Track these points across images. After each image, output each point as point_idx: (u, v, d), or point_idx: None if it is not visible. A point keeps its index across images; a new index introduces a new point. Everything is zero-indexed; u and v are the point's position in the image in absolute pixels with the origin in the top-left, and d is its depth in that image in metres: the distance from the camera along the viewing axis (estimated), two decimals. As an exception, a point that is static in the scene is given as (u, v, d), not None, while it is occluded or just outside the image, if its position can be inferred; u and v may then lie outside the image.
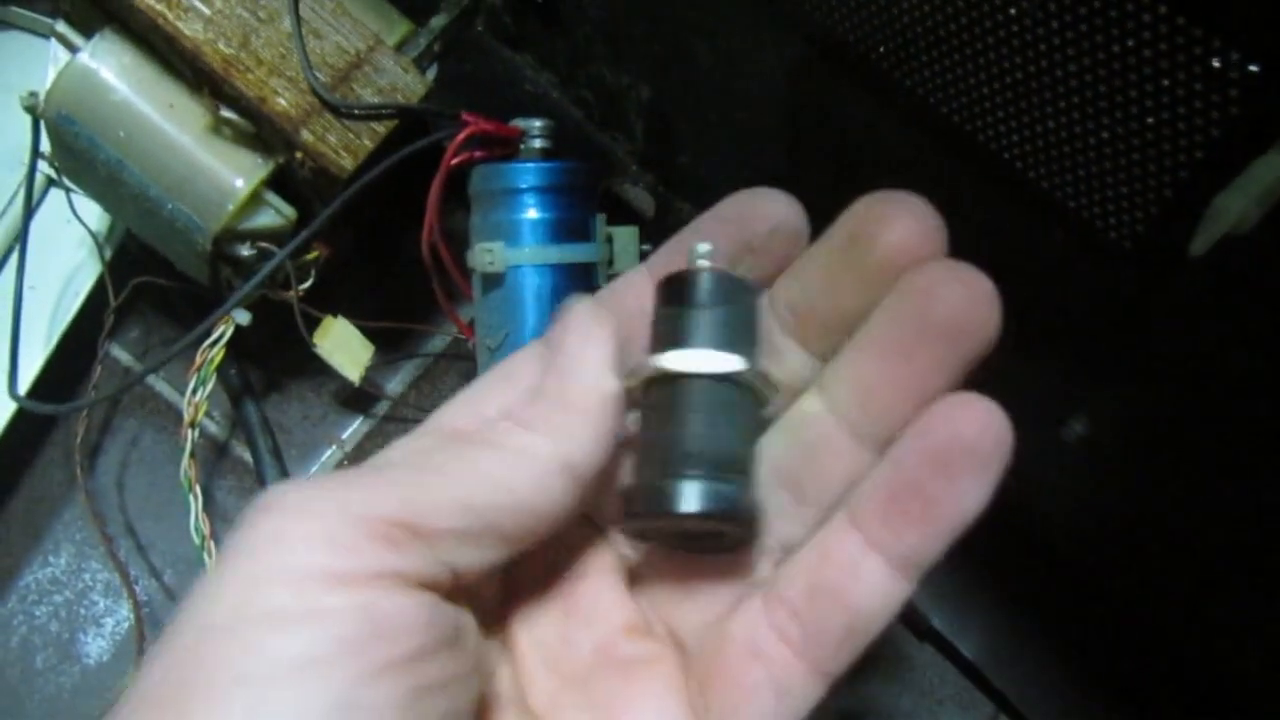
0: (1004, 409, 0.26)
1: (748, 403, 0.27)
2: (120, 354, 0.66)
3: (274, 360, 0.65)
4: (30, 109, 0.53)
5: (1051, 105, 0.33)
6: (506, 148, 0.53)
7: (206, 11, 0.50)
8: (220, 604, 0.22)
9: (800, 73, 0.43)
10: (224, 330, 0.55)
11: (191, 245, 0.53)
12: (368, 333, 0.59)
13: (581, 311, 0.27)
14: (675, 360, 0.27)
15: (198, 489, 0.56)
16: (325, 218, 0.51)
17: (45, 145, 0.55)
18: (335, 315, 0.58)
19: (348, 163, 0.51)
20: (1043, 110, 0.33)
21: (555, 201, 0.51)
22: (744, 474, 0.27)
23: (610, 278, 0.51)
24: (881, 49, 0.37)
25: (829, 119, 0.44)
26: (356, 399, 0.66)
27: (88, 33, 0.52)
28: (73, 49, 0.52)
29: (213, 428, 0.65)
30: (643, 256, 0.54)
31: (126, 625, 0.62)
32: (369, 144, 0.51)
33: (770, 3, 0.41)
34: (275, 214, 0.53)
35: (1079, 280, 0.38)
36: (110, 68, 0.51)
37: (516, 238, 0.51)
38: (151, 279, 0.60)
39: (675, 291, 0.28)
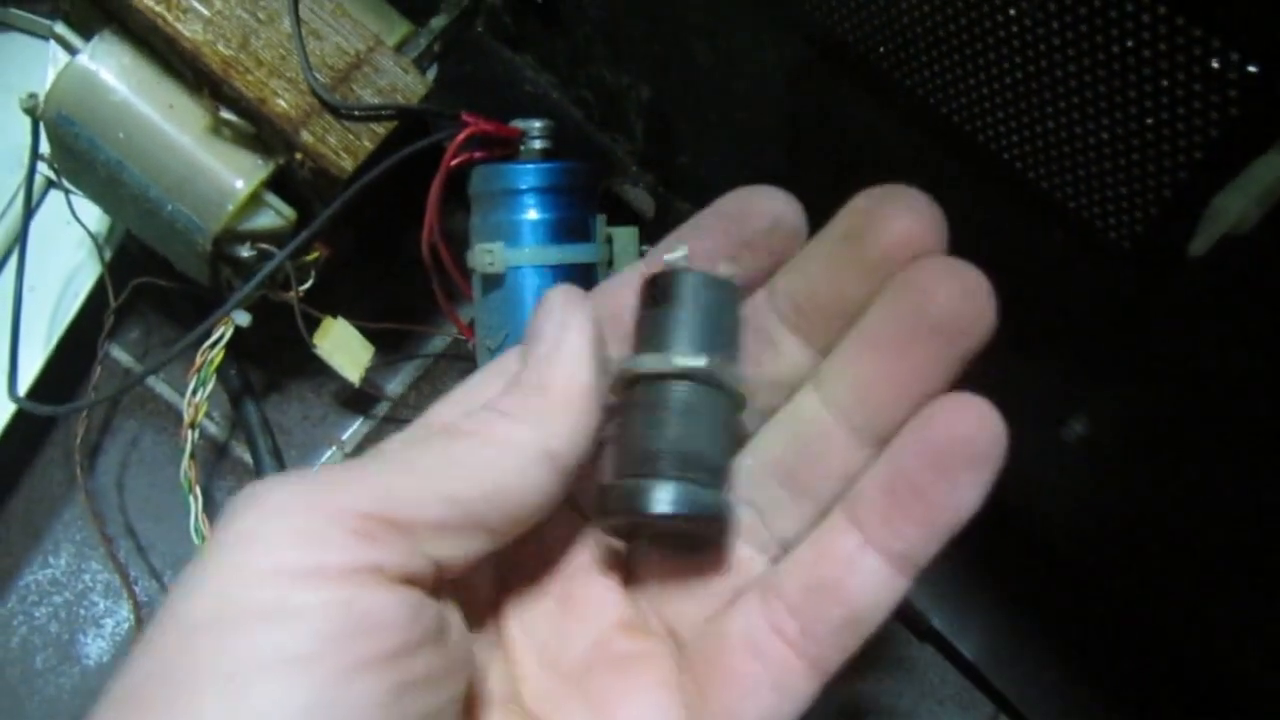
0: (1004, 409, 0.26)
1: (720, 404, 0.27)
2: (120, 355, 0.66)
3: (274, 361, 0.65)
4: (30, 110, 0.53)
5: (1051, 105, 0.33)
6: (506, 148, 0.53)
7: (206, 12, 0.50)
8: (199, 602, 0.22)
9: (800, 73, 0.43)
10: (224, 331, 0.55)
11: (191, 246, 0.53)
12: (368, 333, 0.59)
13: (558, 299, 0.27)
14: (649, 362, 0.27)
15: (198, 490, 0.56)
16: (325, 218, 0.51)
17: (45, 146, 0.55)
18: (335, 316, 0.58)
19: (348, 163, 0.51)
20: (1042, 110, 0.33)
21: (555, 202, 0.51)
22: (713, 474, 0.27)
23: (610, 278, 0.51)
24: (881, 49, 0.37)
25: (829, 119, 0.44)
26: (356, 400, 0.66)
27: (87, 34, 0.52)
28: (72, 50, 0.52)
29: (213, 428, 0.65)
30: (642, 256, 0.54)
31: (126, 626, 0.62)
32: (369, 145, 0.51)
33: (770, 3, 0.41)
34: (275, 215, 0.53)
35: (1079, 280, 0.38)
36: (110, 69, 0.51)
37: (516, 238, 0.51)
38: (151, 280, 0.60)
39: (654, 293, 0.28)
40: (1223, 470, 0.40)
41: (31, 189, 0.59)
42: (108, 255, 0.62)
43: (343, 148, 0.51)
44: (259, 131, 0.51)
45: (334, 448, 0.65)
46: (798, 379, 0.29)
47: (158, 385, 0.66)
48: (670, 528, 0.27)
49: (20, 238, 0.59)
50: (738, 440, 0.29)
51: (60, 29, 0.52)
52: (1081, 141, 0.33)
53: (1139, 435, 0.43)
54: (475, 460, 0.25)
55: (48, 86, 0.52)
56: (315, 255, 0.54)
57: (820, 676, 0.26)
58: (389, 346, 0.64)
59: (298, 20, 0.50)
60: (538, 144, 0.53)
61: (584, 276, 0.52)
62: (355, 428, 0.66)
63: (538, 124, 0.53)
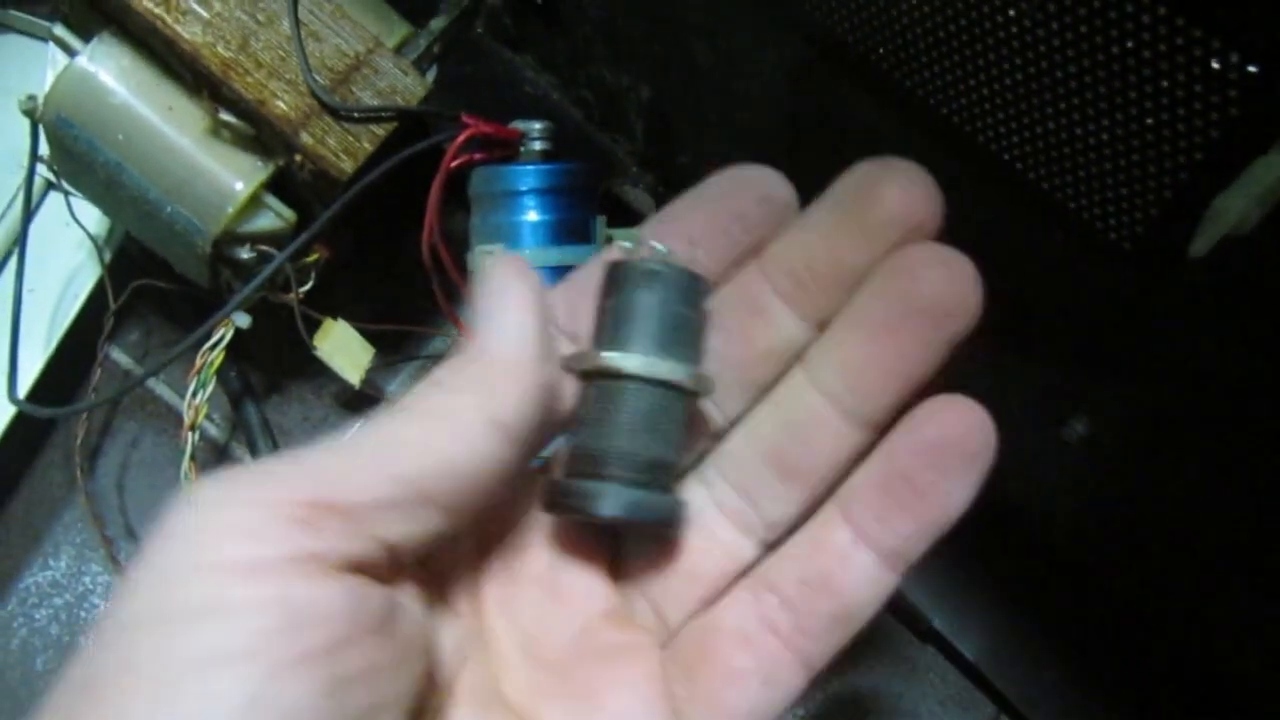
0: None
1: (670, 400, 0.27)
2: (120, 357, 0.66)
3: (274, 363, 0.65)
4: (29, 112, 0.53)
5: (1051, 106, 0.33)
6: (506, 150, 0.53)
7: (205, 14, 0.50)
8: (134, 602, 0.21)
9: (800, 73, 0.43)
10: (224, 333, 0.55)
11: (191, 248, 0.53)
12: (368, 335, 0.59)
13: (499, 270, 0.27)
14: (598, 359, 0.27)
15: (198, 491, 0.55)
16: (325, 220, 0.51)
17: (44, 149, 0.55)
18: (335, 318, 0.58)
19: (347, 165, 0.51)
20: (1042, 111, 0.33)
21: (555, 203, 0.52)
22: (661, 472, 0.27)
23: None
24: (881, 49, 0.37)
25: (829, 119, 0.44)
26: (357, 401, 0.65)
27: (86, 36, 0.52)
28: (71, 52, 0.52)
29: (213, 430, 0.65)
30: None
31: (127, 628, 0.62)
32: (368, 146, 0.51)
33: (770, 3, 0.41)
34: (275, 216, 0.53)
35: (1079, 280, 0.38)
36: (109, 71, 0.51)
37: (517, 240, 0.51)
38: (151, 282, 0.60)
39: (609, 283, 0.28)
40: (1223, 470, 0.40)
41: (31, 191, 0.59)
42: (107, 257, 0.62)
43: (342, 149, 0.51)
44: (258, 133, 0.51)
45: (334, 449, 0.65)
46: (791, 351, 0.29)
47: (158, 387, 0.66)
48: (619, 527, 0.27)
49: (20, 240, 0.59)
50: (698, 429, 0.29)
51: (59, 31, 0.52)
52: (1082, 142, 0.33)
53: (1139, 435, 0.43)
54: (417, 434, 0.25)
55: (47, 88, 0.52)
56: (315, 257, 0.54)
57: (809, 670, 0.27)
58: (389, 348, 0.64)
59: (297, 22, 0.50)
60: (538, 145, 0.53)
61: (584, 277, 0.52)
62: (356, 429, 0.65)
63: (538, 125, 0.53)
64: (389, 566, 0.24)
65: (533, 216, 0.51)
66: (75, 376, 0.62)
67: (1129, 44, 0.29)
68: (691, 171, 0.55)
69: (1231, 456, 0.39)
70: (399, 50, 0.54)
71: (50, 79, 0.52)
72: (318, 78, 0.50)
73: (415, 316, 0.64)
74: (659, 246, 0.28)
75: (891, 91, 0.38)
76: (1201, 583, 0.45)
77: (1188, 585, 0.46)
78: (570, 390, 0.28)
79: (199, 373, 0.55)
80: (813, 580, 0.27)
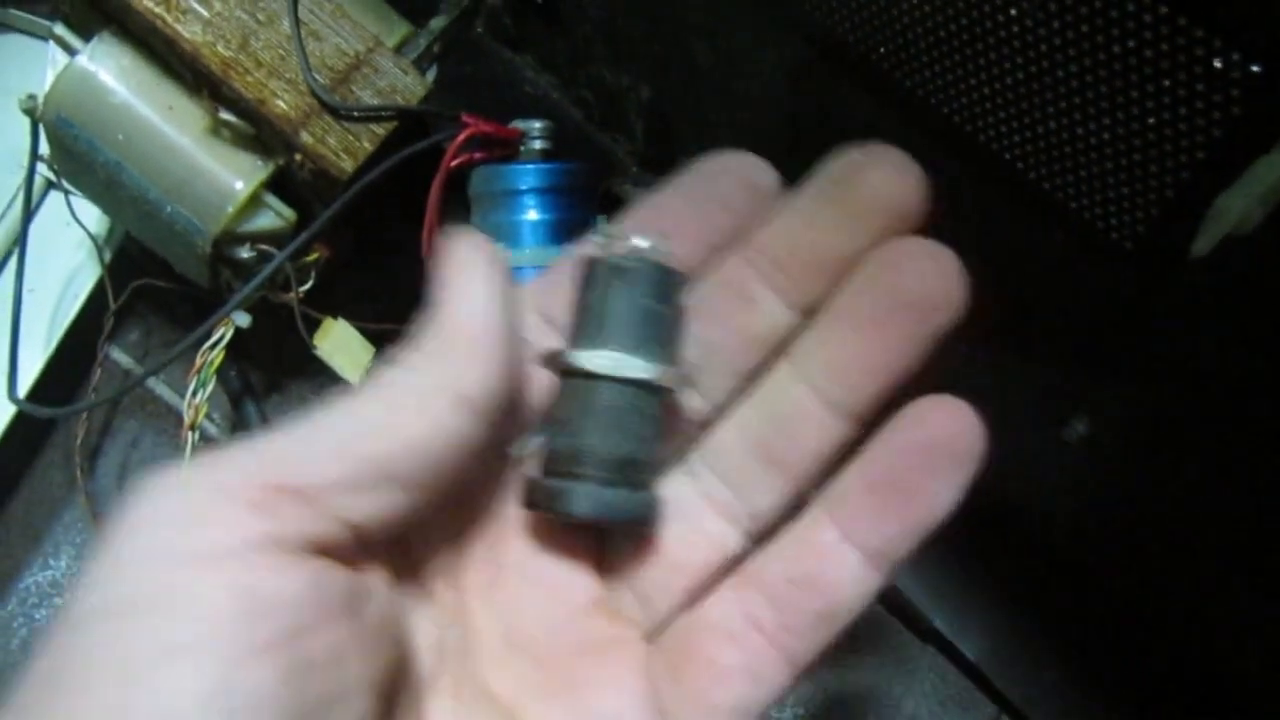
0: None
1: (644, 398, 0.27)
2: (120, 356, 0.66)
3: (274, 362, 0.65)
4: (29, 111, 0.53)
5: (1053, 105, 0.33)
6: (506, 149, 0.53)
7: (205, 14, 0.50)
8: (94, 594, 0.21)
9: (800, 73, 0.43)
10: (224, 332, 0.55)
11: (191, 247, 0.53)
12: (368, 334, 0.59)
13: (458, 247, 0.27)
14: (573, 357, 0.27)
15: (198, 491, 0.55)
16: (325, 219, 0.51)
17: (44, 148, 0.55)
18: (335, 317, 0.58)
19: (347, 164, 0.51)
20: (1044, 110, 0.33)
21: (555, 203, 0.51)
22: (636, 470, 0.27)
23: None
24: (882, 49, 0.37)
25: (829, 119, 0.44)
26: (356, 401, 0.65)
27: (86, 35, 0.52)
28: (71, 51, 0.52)
29: (213, 430, 0.65)
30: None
31: (127, 628, 0.62)
32: (368, 146, 0.51)
33: (770, 3, 0.41)
34: (275, 216, 0.53)
35: (1079, 281, 0.38)
36: (109, 70, 0.51)
37: (517, 239, 0.51)
38: (151, 281, 0.60)
39: (587, 279, 0.28)
40: (1223, 470, 0.40)
41: (31, 190, 0.59)
42: (107, 257, 0.62)
43: (342, 149, 0.51)
44: (258, 133, 0.51)
45: (334, 449, 0.65)
46: (776, 337, 0.29)
47: (158, 387, 0.66)
48: (595, 525, 0.27)
49: (20, 239, 0.59)
50: (676, 424, 0.29)
51: (59, 30, 0.52)
52: (1083, 141, 0.33)
53: (1139, 435, 0.43)
54: (376, 411, 0.24)
55: (47, 88, 0.52)
56: (315, 256, 0.54)
57: (795, 666, 0.27)
58: (389, 347, 0.64)
59: (297, 21, 0.50)
60: (538, 144, 0.53)
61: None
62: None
63: (538, 124, 0.53)
64: (355, 549, 0.24)
65: (533, 216, 0.51)
66: (75, 376, 0.62)
67: (1131, 43, 0.29)
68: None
69: (1231, 456, 0.39)
70: (399, 50, 0.54)
71: (50, 78, 0.52)
72: (318, 77, 0.50)
73: (415, 316, 0.63)
74: (637, 240, 0.28)
75: (891, 91, 0.38)
76: (1201, 583, 0.45)
77: (1188, 585, 0.46)
78: (544, 379, 0.28)
79: (199, 372, 0.55)
80: (798, 579, 0.26)
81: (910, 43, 0.36)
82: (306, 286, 0.55)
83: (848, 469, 0.27)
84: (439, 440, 0.24)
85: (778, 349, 0.29)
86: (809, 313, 0.28)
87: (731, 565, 0.28)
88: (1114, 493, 0.47)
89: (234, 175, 0.52)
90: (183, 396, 0.56)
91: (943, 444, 0.26)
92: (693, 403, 0.29)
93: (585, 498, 0.26)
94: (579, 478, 0.27)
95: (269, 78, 0.50)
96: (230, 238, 0.52)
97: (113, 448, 0.64)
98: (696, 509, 0.28)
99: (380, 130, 0.51)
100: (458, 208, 0.54)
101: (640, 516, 0.27)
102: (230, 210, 0.52)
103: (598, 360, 0.27)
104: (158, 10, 0.49)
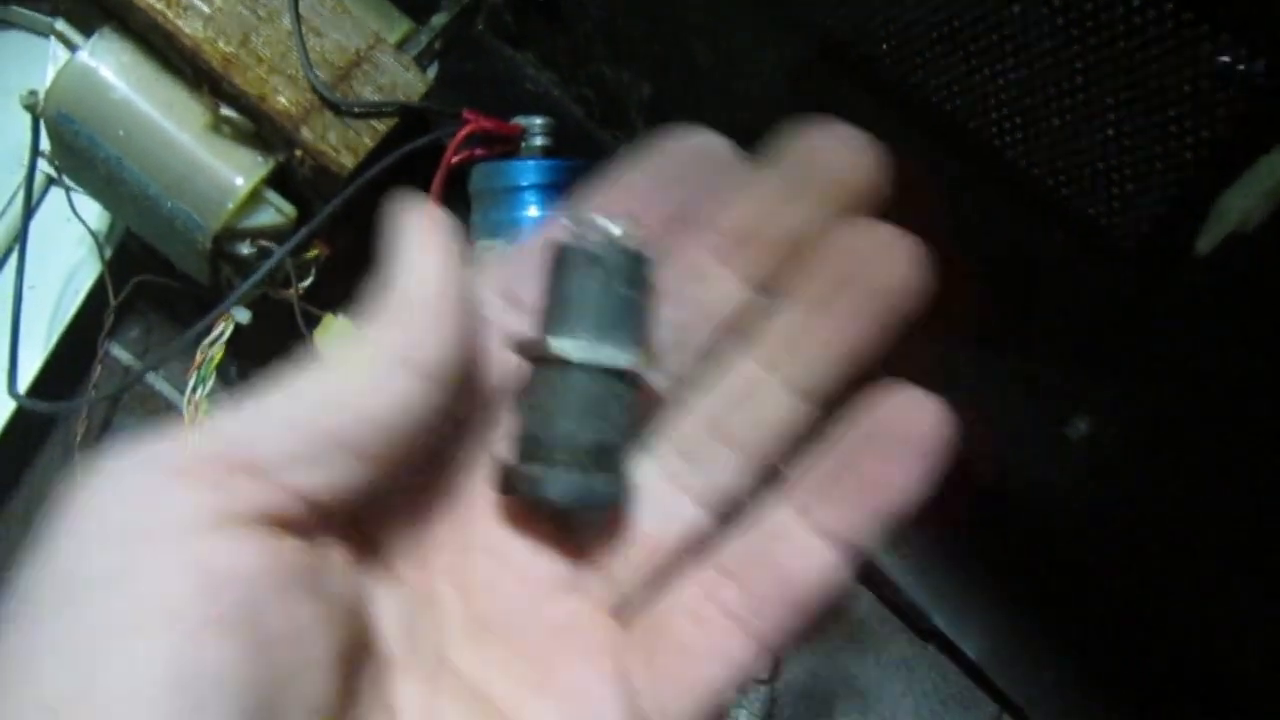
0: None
1: (613, 384, 0.27)
2: (120, 353, 0.66)
3: (274, 359, 0.65)
4: (30, 108, 0.53)
5: (1056, 103, 0.33)
6: (507, 146, 0.53)
7: (206, 9, 0.50)
8: (47, 573, 0.21)
9: (800, 73, 0.43)
10: (224, 328, 0.55)
11: (191, 243, 0.53)
12: (368, 331, 0.59)
13: (410, 215, 0.27)
14: (542, 344, 0.27)
15: (198, 488, 0.55)
16: (325, 215, 0.51)
17: (45, 144, 0.54)
18: (336, 314, 0.58)
19: (348, 160, 0.51)
20: (1047, 108, 0.33)
21: (556, 199, 0.51)
22: (606, 456, 0.28)
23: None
24: (884, 46, 0.37)
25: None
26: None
27: (87, 31, 0.52)
28: (72, 48, 0.52)
29: (213, 426, 0.65)
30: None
31: (126, 624, 0.62)
32: (369, 142, 0.51)
33: (770, 3, 0.41)
34: (275, 212, 0.53)
35: (1080, 281, 0.38)
36: (110, 66, 0.51)
37: (517, 236, 0.51)
38: (152, 278, 0.60)
39: (556, 265, 0.28)
40: (1223, 470, 0.40)
41: (32, 186, 0.59)
42: (108, 253, 0.62)
43: (343, 145, 0.51)
44: (259, 129, 0.51)
45: (334, 446, 0.65)
46: (732, 314, 0.29)
47: (158, 383, 0.66)
48: (569, 511, 0.28)
49: (21, 235, 0.58)
50: (647, 408, 0.29)
51: (60, 26, 0.52)
52: (1087, 139, 0.33)
53: (1140, 435, 0.43)
54: (326, 380, 0.24)
55: (48, 84, 0.52)
56: (315, 253, 0.54)
57: (764, 648, 0.27)
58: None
59: (298, 17, 0.50)
60: (538, 141, 0.53)
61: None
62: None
63: (538, 121, 0.53)
64: (312, 523, 0.23)
65: (533, 212, 0.51)
66: (76, 372, 0.62)
67: (1135, 40, 0.29)
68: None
69: (1231, 456, 0.39)
70: (400, 46, 0.54)
71: (51, 74, 0.52)
72: (318, 73, 0.50)
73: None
74: (606, 224, 0.28)
75: (891, 91, 0.38)
76: (1201, 583, 0.45)
77: (1188, 585, 0.46)
78: (511, 363, 0.28)
79: (199, 368, 0.55)
80: (762, 564, 0.27)
81: (911, 40, 0.36)
82: (306, 283, 0.55)
83: (811, 455, 0.27)
84: (392, 409, 0.24)
85: (735, 328, 0.29)
86: (764, 290, 0.28)
87: (699, 544, 0.28)
88: (1114, 492, 0.47)
89: (234, 171, 0.52)
90: (183, 393, 0.56)
91: (905, 433, 0.26)
92: (659, 384, 0.29)
93: (561, 483, 0.27)
94: (554, 463, 0.27)
95: (269, 74, 0.50)
96: (230, 234, 0.52)
97: (113, 444, 0.64)
98: (661, 489, 0.29)
99: (381, 126, 0.51)
100: (458, 204, 0.54)
101: (614, 501, 0.28)
102: (230, 206, 0.52)
103: (571, 347, 0.27)
104: (158, 6, 0.49)
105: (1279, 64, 0.27)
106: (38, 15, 0.66)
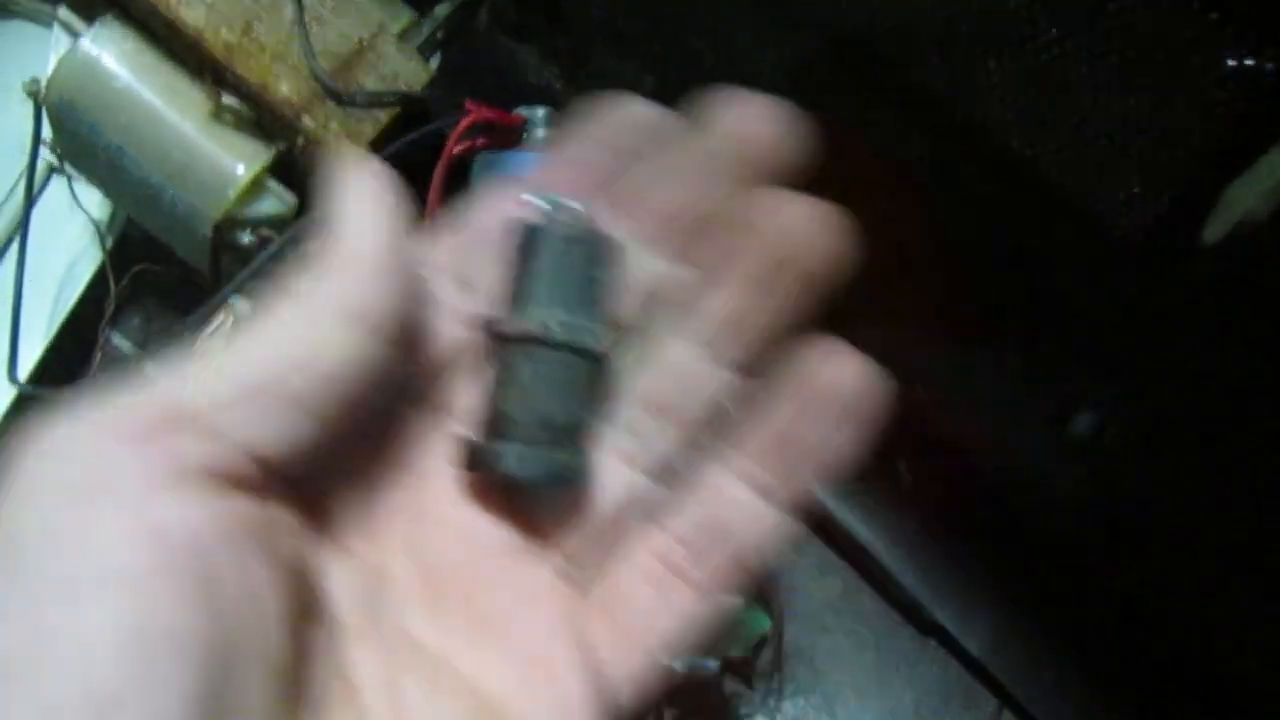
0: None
1: (573, 361, 0.28)
2: (121, 341, 0.66)
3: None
4: (32, 95, 0.53)
5: (1061, 99, 0.33)
6: (510, 136, 0.53)
7: (208, -2, 0.49)
8: None
9: (800, 73, 0.42)
10: (224, 318, 0.55)
11: (192, 232, 0.52)
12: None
13: (349, 172, 0.27)
14: (504, 323, 0.28)
15: (197, 477, 0.55)
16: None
17: (47, 132, 0.54)
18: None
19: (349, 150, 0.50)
20: (1053, 103, 0.33)
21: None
22: (566, 434, 0.28)
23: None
24: (883, 45, 0.37)
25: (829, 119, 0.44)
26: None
27: (89, 19, 0.52)
28: (74, 35, 0.52)
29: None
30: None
31: (126, 612, 0.62)
32: (371, 131, 0.51)
33: (770, 3, 0.41)
34: (277, 201, 0.53)
35: (1081, 280, 0.38)
36: (111, 54, 0.51)
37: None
38: (152, 267, 0.60)
39: (521, 245, 0.29)
40: (1223, 470, 0.40)
41: (34, 175, 0.59)
42: (109, 242, 0.62)
43: (345, 134, 0.51)
44: (260, 117, 0.51)
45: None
46: (652, 286, 0.29)
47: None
48: (522, 483, 0.28)
49: (22, 224, 0.59)
50: (609, 388, 0.30)
51: (63, 14, 0.52)
52: (1094, 132, 0.33)
53: (1141, 434, 0.43)
54: (265, 333, 0.24)
55: (50, 72, 0.52)
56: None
57: (712, 601, 0.28)
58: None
59: (300, 6, 0.50)
60: (541, 132, 0.53)
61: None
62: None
63: (541, 112, 0.53)
64: (260, 480, 0.23)
65: (534, 205, 0.51)
66: (76, 360, 0.62)
67: (1144, 34, 0.29)
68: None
69: (1232, 456, 0.39)
70: (403, 36, 0.53)
71: (53, 63, 0.52)
72: (321, 62, 0.50)
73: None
74: (574, 205, 0.28)
75: (892, 91, 0.38)
76: (1201, 582, 0.45)
77: (1188, 585, 0.46)
78: (460, 338, 0.28)
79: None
80: (705, 524, 0.28)
81: (914, 36, 0.36)
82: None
83: (747, 418, 0.28)
84: (334, 360, 0.24)
85: (655, 298, 0.29)
86: (684, 262, 0.29)
87: (645, 509, 0.29)
88: (1115, 492, 0.47)
89: (236, 160, 0.52)
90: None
91: (837, 392, 0.27)
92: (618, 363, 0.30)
93: (529, 461, 0.27)
94: (522, 441, 0.28)
95: (272, 62, 0.50)
96: (231, 223, 0.52)
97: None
98: (608, 461, 0.29)
99: (383, 116, 0.51)
100: (460, 194, 0.54)
101: (579, 478, 0.29)
102: (231, 195, 0.51)
103: (544, 326, 0.27)
104: (160, -6, 0.49)
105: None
106: (40, 4, 0.66)
